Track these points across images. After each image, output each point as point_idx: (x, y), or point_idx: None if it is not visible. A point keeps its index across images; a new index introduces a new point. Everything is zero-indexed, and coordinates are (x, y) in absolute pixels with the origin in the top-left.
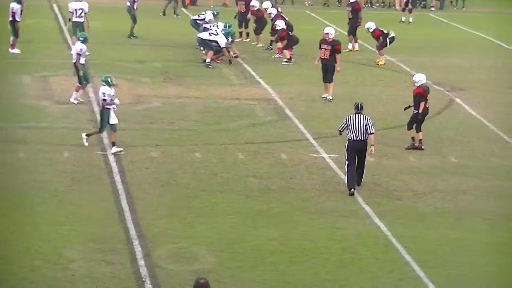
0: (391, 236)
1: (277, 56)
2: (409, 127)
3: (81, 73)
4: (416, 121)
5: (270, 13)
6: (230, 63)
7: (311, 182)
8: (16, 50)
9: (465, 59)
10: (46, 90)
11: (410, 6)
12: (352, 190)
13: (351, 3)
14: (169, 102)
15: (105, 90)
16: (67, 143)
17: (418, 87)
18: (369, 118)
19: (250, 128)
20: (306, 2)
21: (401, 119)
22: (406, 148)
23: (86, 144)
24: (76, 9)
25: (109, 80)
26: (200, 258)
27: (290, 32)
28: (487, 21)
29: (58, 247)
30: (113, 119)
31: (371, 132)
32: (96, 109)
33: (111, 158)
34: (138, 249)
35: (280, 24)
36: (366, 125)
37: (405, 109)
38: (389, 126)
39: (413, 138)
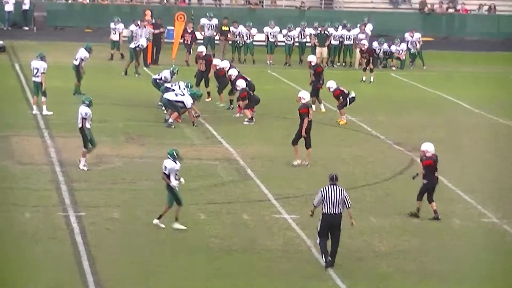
0: None
1: (238, 115)
2: (419, 198)
3: (87, 137)
4: (425, 192)
5: (230, 75)
6: (193, 124)
7: (273, 243)
8: None
9: (426, 118)
10: (7, 150)
11: (371, 65)
12: (329, 260)
13: (313, 66)
14: (131, 162)
15: (168, 164)
16: (29, 204)
17: (428, 158)
18: (344, 190)
19: (212, 188)
20: (267, 61)
21: (362, 179)
22: (409, 215)
23: (163, 226)
24: (32, 68)
25: (175, 154)
26: None
27: (251, 92)
28: (446, 80)
29: None
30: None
31: (349, 206)
32: (58, 169)
33: (73, 219)
34: None
35: (241, 84)
36: (342, 198)
37: (413, 178)
38: (351, 186)
39: (418, 209)
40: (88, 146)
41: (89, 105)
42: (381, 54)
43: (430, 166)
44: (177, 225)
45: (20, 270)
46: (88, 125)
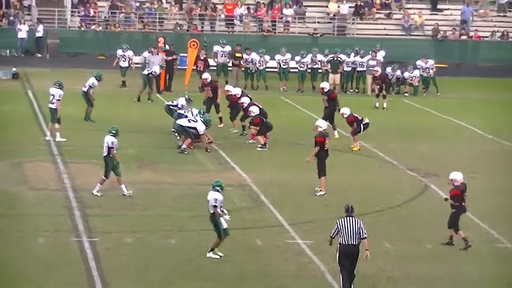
0: None
1: (251, 142)
2: (455, 228)
3: (110, 167)
4: (458, 219)
5: (242, 103)
6: (207, 150)
7: (286, 268)
8: None
9: (439, 145)
10: (20, 176)
11: (384, 92)
12: None
13: (326, 92)
14: (144, 188)
15: (217, 196)
16: (42, 230)
17: (456, 187)
18: (360, 221)
19: None
20: (280, 88)
21: (375, 205)
22: (463, 249)
23: (221, 254)
24: (50, 95)
25: (222, 186)
26: None
27: (264, 119)
28: (460, 106)
29: None
30: (224, 224)
31: (364, 236)
32: (71, 195)
33: (86, 245)
34: None
35: (254, 111)
36: (359, 229)
37: (445, 199)
38: (364, 212)
39: (451, 237)
40: (108, 175)
41: (115, 135)
42: (393, 80)
43: (457, 196)
44: (211, 254)
45: None
46: (111, 155)
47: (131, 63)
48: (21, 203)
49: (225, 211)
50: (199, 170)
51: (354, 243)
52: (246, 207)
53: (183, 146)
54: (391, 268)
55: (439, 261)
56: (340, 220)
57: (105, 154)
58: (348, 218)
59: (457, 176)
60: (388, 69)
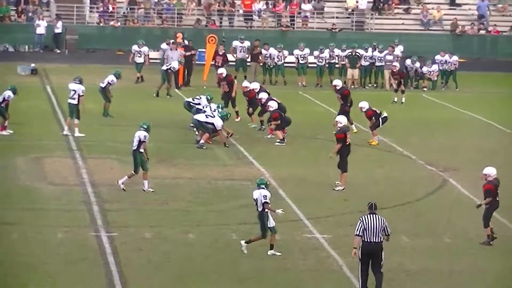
0: None
1: (269, 136)
2: (486, 225)
3: (139, 161)
4: (490, 216)
5: (261, 98)
6: (225, 145)
7: (304, 263)
8: (5, 132)
9: (457, 139)
10: (39, 171)
11: (402, 87)
12: None
13: (338, 89)
14: (162, 183)
15: (265, 192)
16: (61, 225)
17: (489, 182)
18: (384, 219)
19: (243, 209)
20: (299, 83)
21: (393, 199)
22: (484, 244)
23: (246, 252)
24: (70, 90)
25: (267, 183)
26: None
27: (282, 113)
28: (478, 101)
29: None
30: (271, 222)
31: (389, 233)
32: (90, 190)
33: (105, 240)
34: None
35: (273, 105)
36: (383, 227)
37: (477, 207)
38: (382, 206)
39: (488, 236)
40: (138, 170)
41: (147, 130)
42: (412, 73)
43: (491, 190)
44: (272, 252)
45: None
46: (141, 150)
47: (146, 59)
48: (39, 198)
49: (279, 211)
50: (218, 164)
51: (377, 240)
52: None
53: (201, 141)
54: (409, 262)
55: (458, 256)
56: (364, 217)
57: (134, 148)
58: (372, 215)
59: (490, 171)
60: (408, 61)
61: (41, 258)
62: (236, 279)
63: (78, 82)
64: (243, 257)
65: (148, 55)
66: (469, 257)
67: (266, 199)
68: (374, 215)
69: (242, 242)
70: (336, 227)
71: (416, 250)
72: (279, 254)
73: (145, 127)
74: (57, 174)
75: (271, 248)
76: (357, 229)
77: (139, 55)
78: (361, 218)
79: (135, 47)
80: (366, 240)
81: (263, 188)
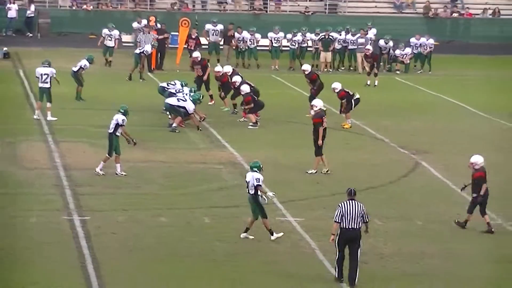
0: None
1: (242, 120)
2: (470, 211)
3: (114, 144)
4: (477, 204)
5: (234, 82)
6: (198, 129)
7: (277, 246)
8: None
9: (430, 122)
10: (12, 155)
11: (375, 70)
12: (342, 277)
13: (307, 74)
14: (135, 167)
15: (258, 175)
16: (34, 209)
17: (478, 170)
18: (363, 205)
19: (217, 192)
20: (272, 66)
21: (367, 182)
22: (457, 224)
23: (251, 237)
24: (41, 74)
25: (260, 166)
26: None
27: (255, 97)
28: (451, 84)
29: None
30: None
31: (368, 219)
32: (62, 174)
33: (77, 223)
34: None
35: (245, 89)
36: (361, 214)
37: (461, 189)
38: (356, 190)
39: (466, 221)
40: (112, 153)
41: (124, 113)
42: (386, 53)
43: (481, 178)
44: (275, 236)
45: (25, 274)
46: (118, 133)
47: (116, 42)
48: (12, 182)
49: (270, 194)
50: (191, 148)
51: (356, 227)
52: (237, 185)
53: (174, 124)
54: (383, 245)
55: (431, 238)
56: (342, 203)
57: (110, 131)
58: (350, 201)
59: (477, 160)
60: (381, 42)
61: (13, 242)
62: (210, 261)
63: (48, 65)
64: (216, 241)
65: (120, 38)
66: (441, 239)
67: (259, 182)
68: (352, 201)
69: (242, 234)
70: (309, 210)
71: (388, 233)
72: (252, 237)
73: (123, 111)
74: (29, 158)
75: (246, 231)
76: (336, 215)
77: (110, 39)
78: (340, 204)
79: (105, 31)
80: (344, 226)
81: (256, 171)
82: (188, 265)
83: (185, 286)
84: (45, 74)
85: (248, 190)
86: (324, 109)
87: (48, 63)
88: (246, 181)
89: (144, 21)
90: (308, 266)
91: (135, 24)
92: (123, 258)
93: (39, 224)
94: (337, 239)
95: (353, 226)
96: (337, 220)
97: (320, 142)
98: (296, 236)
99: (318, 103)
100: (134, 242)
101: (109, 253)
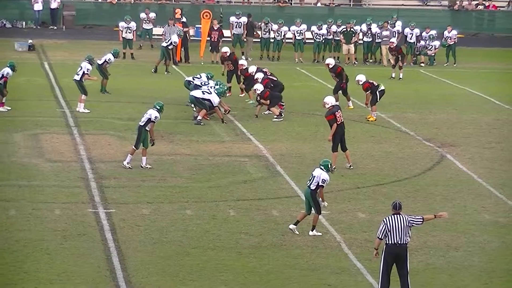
0: None
1: (267, 112)
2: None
3: (142, 138)
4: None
5: (257, 78)
6: (223, 122)
7: (302, 239)
8: (2, 108)
9: (455, 115)
10: (37, 148)
11: (400, 63)
12: None
13: (331, 68)
14: (160, 159)
15: (326, 177)
16: (59, 201)
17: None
18: (408, 217)
19: (241, 185)
20: (296, 59)
21: (392, 175)
22: None
23: (297, 232)
24: (80, 66)
25: (329, 166)
26: None
27: (270, 90)
28: (476, 76)
29: None
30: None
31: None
32: (88, 166)
33: (102, 216)
34: None
35: (259, 88)
36: (408, 227)
37: (331, 171)
38: (380, 183)
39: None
40: (139, 145)
41: (159, 110)
42: (413, 39)
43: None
44: (313, 233)
45: (50, 266)
46: (147, 128)
47: (134, 34)
48: (37, 174)
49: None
50: (215, 141)
51: (403, 242)
52: (262, 177)
53: (199, 117)
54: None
55: (456, 231)
56: (387, 218)
57: (141, 124)
58: (395, 216)
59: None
60: (407, 30)
61: (38, 235)
62: (234, 254)
63: (87, 60)
64: (241, 233)
65: (136, 30)
66: (467, 232)
67: (324, 183)
68: (398, 216)
69: (291, 226)
70: (333, 203)
71: (414, 226)
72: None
73: (158, 107)
74: (54, 151)
75: (296, 224)
76: (380, 231)
77: (129, 31)
78: (384, 220)
79: (122, 24)
80: (390, 242)
81: (324, 170)
82: (213, 257)
83: (210, 279)
84: (79, 66)
85: (310, 185)
86: (337, 103)
87: (89, 59)
88: (312, 175)
89: (152, 14)
90: (333, 260)
91: (142, 15)
92: (148, 250)
93: (64, 217)
94: (383, 256)
95: (400, 242)
96: (380, 237)
97: (330, 138)
98: (321, 229)
99: (329, 100)
100: (159, 235)
101: (134, 245)
